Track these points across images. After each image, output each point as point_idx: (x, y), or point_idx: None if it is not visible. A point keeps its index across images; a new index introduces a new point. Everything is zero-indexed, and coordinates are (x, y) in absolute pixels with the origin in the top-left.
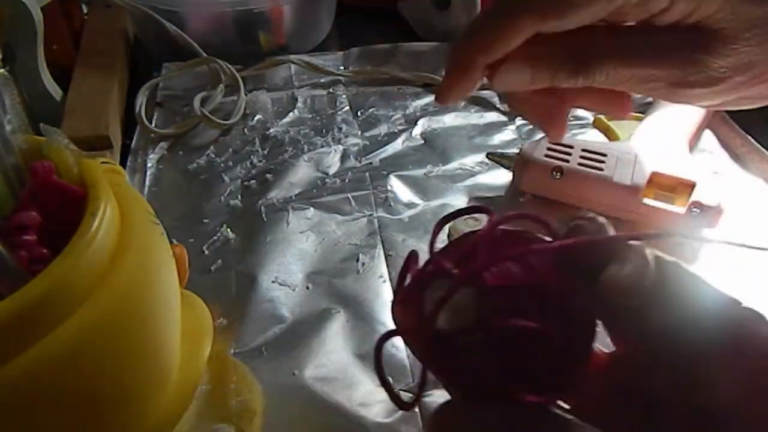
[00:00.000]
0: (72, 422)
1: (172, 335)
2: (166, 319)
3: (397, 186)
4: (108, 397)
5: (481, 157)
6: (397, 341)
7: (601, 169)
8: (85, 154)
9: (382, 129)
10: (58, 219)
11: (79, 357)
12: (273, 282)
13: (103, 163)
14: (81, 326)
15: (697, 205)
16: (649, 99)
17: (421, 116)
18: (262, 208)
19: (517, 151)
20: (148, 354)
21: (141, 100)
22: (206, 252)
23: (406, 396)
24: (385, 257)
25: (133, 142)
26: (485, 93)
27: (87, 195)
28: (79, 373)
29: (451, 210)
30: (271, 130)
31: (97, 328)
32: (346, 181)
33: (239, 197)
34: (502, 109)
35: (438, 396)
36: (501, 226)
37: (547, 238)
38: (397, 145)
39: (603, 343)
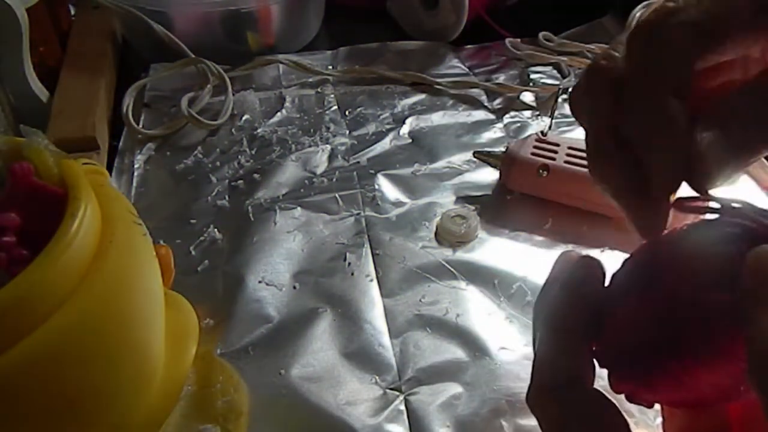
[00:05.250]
0: (54, 423)
1: (155, 336)
2: (148, 320)
3: (384, 185)
4: (91, 398)
5: (468, 155)
6: (385, 341)
7: (587, 167)
8: (65, 155)
9: (370, 128)
10: (39, 220)
11: (59, 358)
12: (260, 282)
13: (85, 164)
14: (61, 327)
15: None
16: None
17: (409, 115)
18: (250, 208)
19: (503, 149)
20: (130, 355)
21: (128, 101)
22: (193, 252)
23: (392, 395)
24: (373, 256)
25: (121, 143)
26: (473, 91)
27: (67, 196)
28: (60, 375)
29: (438, 209)
30: (259, 130)
31: (78, 329)
32: (334, 180)
33: (226, 197)
34: (489, 107)
35: (424, 394)
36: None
37: None
38: (384, 144)
39: None
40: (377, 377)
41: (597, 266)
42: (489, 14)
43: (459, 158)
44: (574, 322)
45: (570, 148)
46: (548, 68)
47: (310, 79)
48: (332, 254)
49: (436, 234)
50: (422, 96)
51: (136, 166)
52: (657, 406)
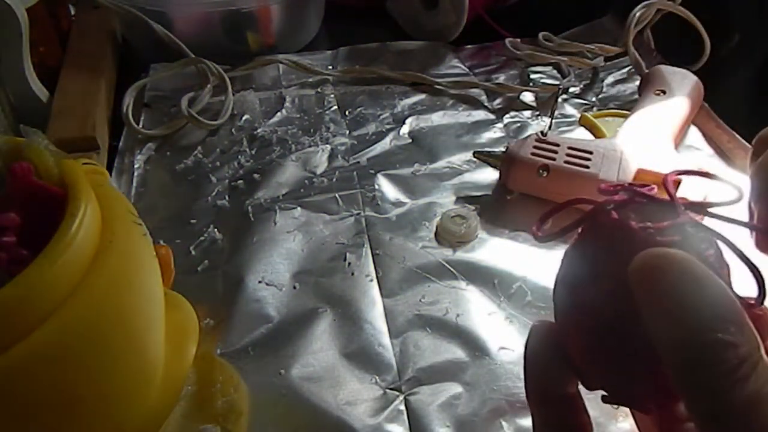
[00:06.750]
0: (54, 423)
1: (155, 336)
2: (148, 320)
3: (384, 185)
4: (90, 398)
5: (468, 155)
6: (385, 341)
7: (587, 167)
8: (65, 155)
9: (370, 128)
10: (39, 220)
11: (59, 358)
12: (260, 282)
13: (85, 164)
14: (61, 327)
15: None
16: (634, 96)
17: (409, 115)
18: (250, 208)
19: (504, 149)
20: (130, 355)
21: (128, 101)
22: (193, 252)
23: (392, 395)
24: (373, 256)
25: (121, 143)
26: (473, 91)
27: (67, 196)
28: (60, 375)
29: (438, 209)
30: (259, 130)
31: (78, 329)
32: (334, 180)
33: (226, 197)
34: (489, 107)
35: (424, 394)
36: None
37: None
38: (384, 144)
39: None
40: (377, 377)
41: (545, 331)
42: (489, 14)
43: (459, 158)
44: (550, 393)
45: (570, 148)
46: (548, 68)
47: (310, 79)
48: (332, 254)
49: (436, 234)
50: (422, 96)
51: (136, 166)
52: None
